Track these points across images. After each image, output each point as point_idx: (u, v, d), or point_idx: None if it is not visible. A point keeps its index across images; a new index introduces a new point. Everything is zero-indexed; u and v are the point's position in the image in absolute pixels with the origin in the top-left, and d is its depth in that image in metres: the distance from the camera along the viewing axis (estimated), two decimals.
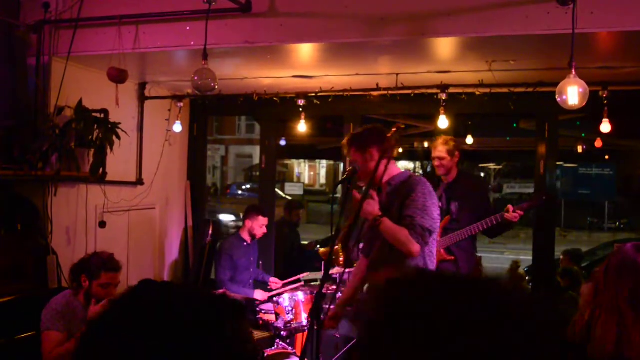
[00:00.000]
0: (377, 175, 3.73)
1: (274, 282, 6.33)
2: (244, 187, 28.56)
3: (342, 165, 7.64)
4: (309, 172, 33.44)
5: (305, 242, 12.65)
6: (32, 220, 5.09)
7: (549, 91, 4.87)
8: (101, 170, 5.29)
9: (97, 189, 5.61)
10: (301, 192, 24.99)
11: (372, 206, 3.56)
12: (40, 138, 4.91)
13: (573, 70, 3.58)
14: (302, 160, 31.31)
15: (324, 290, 3.57)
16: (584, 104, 3.58)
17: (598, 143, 7.11)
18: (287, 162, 29.68)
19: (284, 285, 6.20)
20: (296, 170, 32.75)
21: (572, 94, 3.54)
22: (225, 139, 29.98)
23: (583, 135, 10.79)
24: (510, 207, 4.83)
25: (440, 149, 5.16)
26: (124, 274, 5.93)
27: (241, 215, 7.53)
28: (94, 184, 5.51)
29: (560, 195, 16.74)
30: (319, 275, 6.28)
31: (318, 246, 11.60)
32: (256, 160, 27.61)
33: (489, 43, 4.31)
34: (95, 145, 5.22)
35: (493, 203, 4.83)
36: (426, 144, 11.56)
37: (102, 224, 5.65)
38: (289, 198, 17.10)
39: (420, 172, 15.87)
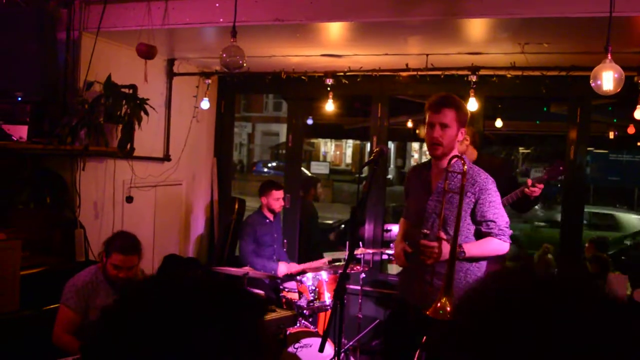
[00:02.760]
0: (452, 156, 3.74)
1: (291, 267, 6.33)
2: (269, 165, 28.59)
3: (368, 145, 7.60)
4: (335, 151, 33.35)
5: (330, 222, 12.69)
6: (61, 194, 5.15)
7: (583, 75, 4.79)
8: (129, 145, 5.31)
9: (125, 164, 5.65)
10: (327, 171, 24.97)
11: (436, 249, 3.54)
12: (70, 113, 4.95)
13: (609, 55, 3.49)
14: (328, 139, 31.23)
15: (348, 271, 3.56)
16: (619, 89, 3.49)
17: (631, 129, 6.97)
18: (313, 140, 29.63)
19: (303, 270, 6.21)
20: (322, 149, 32.69)
21: (607, 79, 3.46)
22: (252, 116, 30.01)
23: (615, 120, 10.59)
24: (529, 181, 4.75)
25: None
26: (150, 249, 6.03)
27: None
28: (122, 159, 5.55)
29: (590, 181, 16.50)
30: (342, 254, 6.29)
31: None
32: (283, 138, 27.59)
33: (522, 25, 4.23)
34: (123, 120, 5.25)
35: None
36: None
37: (129, 199, 5.70)
38: (315, 177, 17.09)
39: None
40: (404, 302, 3.90)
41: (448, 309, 3.34)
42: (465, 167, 3.57)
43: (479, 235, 3.70)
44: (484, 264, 3.76)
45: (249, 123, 30.74)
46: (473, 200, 3.65)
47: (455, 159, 3.69)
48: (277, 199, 6.15)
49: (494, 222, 3.64)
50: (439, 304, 3.37)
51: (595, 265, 6.51)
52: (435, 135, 3.69)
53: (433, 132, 3.70)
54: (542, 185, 4.70)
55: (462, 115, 3.73)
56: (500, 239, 3.64)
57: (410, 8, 4.18)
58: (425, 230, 3.65)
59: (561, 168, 4.76)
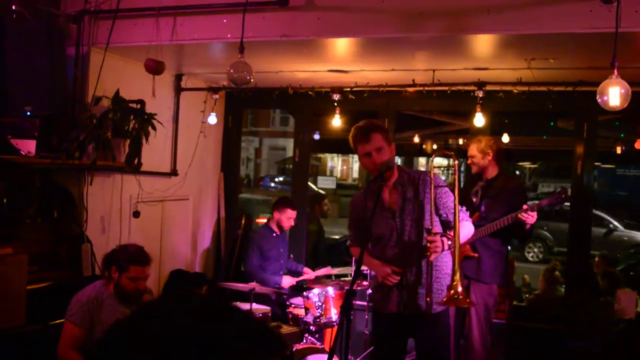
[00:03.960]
0: (394, 169, 3.91)
1: (308, 271, 6.36)
2: (276, 180, 28.59)
3: None
4: (341, 166, 33.35)
5: (337, 237, 12.67)
6: (68, 208, 5.16)
7: (589, 90, 4.79)
8: (136, 160, 5.33)
9: (132, 179, 5.66)
10: (334, 186, 24.95)
11: (439, 243, 3.71)
12: (78, 127, 4.97)
13: (615, 71, 3.49)
14: (335, 154, 31.23)
15: (354, 287, 3.57)
16: (625, 105, 3.48)
17: (638, 144, 6.96)
18: (320, 155, 29.63)
19: (316, 277, 6.21)
20: (329, 164, 32.70)
21: (614, 94, 3.45)
22: (259, 131, 30.07)
23: (622, 135, 10.57)
24: (525, 206, 4.70)
25: (471, 147, 5.16)
26: (157, 264, 6.04)
27: None
28: (129, 173, 5.56)
29: (594, 196, 16.44)
30: (348, 270, 6.27)
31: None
32: (289, 152, 27.59)
33: (528, 41, 4.24)
34: (131, 135, 5.27)
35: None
36: (461, 141, 11.45)
37: (136, 214, 5.71)
38: (322, 192, 17.10)
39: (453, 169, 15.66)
40: (399, 315, 3.92)
41: (460, 289, 3.61)
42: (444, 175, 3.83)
43: (447, 225, 3.92)
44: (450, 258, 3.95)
45: (256, 137, 30.79)
46: (430, 197, 3.83)
47: (397, 170, 3.94)
48: (289, 218, 6.16)
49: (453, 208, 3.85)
50: (452, 292, 3.62)
51: (606, 281, 6.47)
52: (377, 161, 3.79)
53: (373, 159, 3.81)
54: (535, 214, 4.65)
55: (388, 134, 3.92)
56: (468, 221, 3.98)
57: (417, 24, 4.20)
58: (428, 226, 3.78)
59: (563, 196, 4.73)
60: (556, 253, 13.18)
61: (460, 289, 3.59)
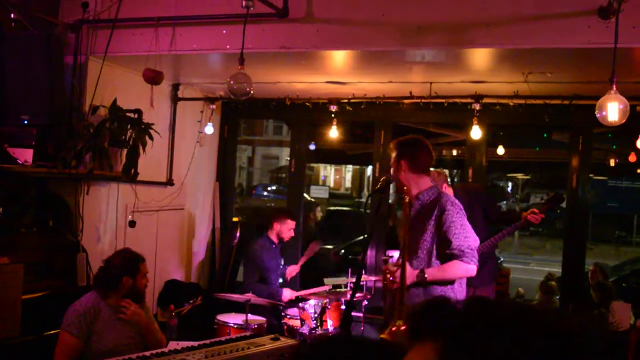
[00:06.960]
0: (403, 186, 3.83)
1: (292, 269, 6.32)
2: (269, 189, 28.54)
3: (369, 169, 7.63)
4: (334, 176, 33.36)
5: (330, 247, 12.63)
6: (64, 217, 5.15)
7: (584, 104, 4.82)
8: (133, 170, 5.32)
9: (128, 189, 5.65)
10: (326, 195, 24.95)
11: (409, 273, 3.61)
12: (75, 137, 4.96)
13: (614, 86, 3.51)
14: (328, 164, 31.22)
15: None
16: (624, 120, 3.50)
17: (632, 157, 7.00)
18: (313, 165, 29.63)
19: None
20: (322, 173, 32.69)
21: (613, 110, 3.47)
22: (252, 139, 30.03)
23: (614, 147, 10.63)
24: (535, 210, 4.90)
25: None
26: (152, 274, 5.99)
27: None
28: (125, 183, 5.55)
29: (589, 208, 16.53)
30: (343, 281, 6.24)
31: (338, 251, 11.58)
32: (282, 161, 27.63)
33: (526, 55, 4.27)
34: (128, 145, 5.26)
35: (519, 212, 4.92)
36: (455, 152, 11.49)
37: (132, 223, 5.69)
38: (313, 200, 17.15)
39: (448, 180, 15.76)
40: None
41: (403, 328, 3.37)
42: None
43: (447, 258, 3.70)
44: (458, 287, 3.77)
45: (249, 146, 30.76)
46: (434, 223, 3.71)
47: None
48: (290, 229, 6.12)
49: (451, 242, 3.63)
50: (394, 328, 3.39)
51: (598, 293, 6.47)
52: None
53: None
54: (543, 215, 4.83)
55: (397, 153, 3.90)
56: (462, 261, 3.63)
57: (416, 38, 4.22)
58: (384, 257, 3.76)
59: (562, 197, 4.91)
60: None
61: (403, 328, 3.33)
